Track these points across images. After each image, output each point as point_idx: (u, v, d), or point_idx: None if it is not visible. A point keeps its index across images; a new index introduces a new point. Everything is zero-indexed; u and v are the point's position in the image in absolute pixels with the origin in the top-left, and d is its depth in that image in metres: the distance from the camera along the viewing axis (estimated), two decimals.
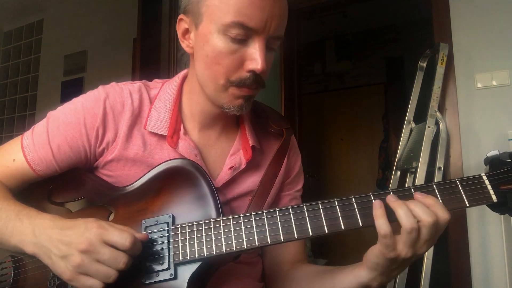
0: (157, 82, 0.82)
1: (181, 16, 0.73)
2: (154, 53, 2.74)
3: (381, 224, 0.56)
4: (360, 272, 0.64)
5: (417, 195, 0.58)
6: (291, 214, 0.60)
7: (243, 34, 0.64)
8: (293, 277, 0.80)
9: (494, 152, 0.61)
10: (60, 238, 0.59)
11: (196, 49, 0.71)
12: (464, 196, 0.58)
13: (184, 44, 0.74)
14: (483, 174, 0.60)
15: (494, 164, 0.60)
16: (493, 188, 0.58)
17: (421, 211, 0.56)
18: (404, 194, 0.59)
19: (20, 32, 3.66)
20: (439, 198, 0.59)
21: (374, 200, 0.59)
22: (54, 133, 0.72)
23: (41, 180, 0.75)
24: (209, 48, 0.67)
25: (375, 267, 0.61)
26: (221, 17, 0.64)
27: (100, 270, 0.56)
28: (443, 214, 0.56)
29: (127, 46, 2.96)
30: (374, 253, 0.59)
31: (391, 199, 0.58)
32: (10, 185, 0.74)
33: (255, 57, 0.65)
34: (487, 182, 0.59)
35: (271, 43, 0.68)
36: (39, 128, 0.74)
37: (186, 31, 0.73)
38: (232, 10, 0.63)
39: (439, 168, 1.84)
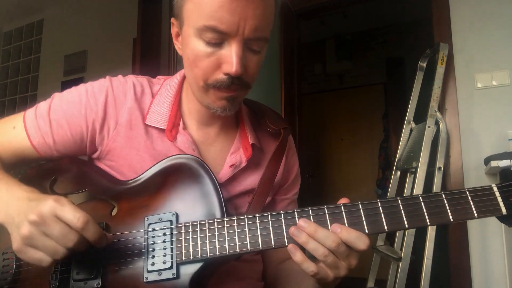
0: (159, 79, 0.84)
1: (172, 19, 0.75)
2: (154, 53, 2.74)
3: (307, 267, 0.58)
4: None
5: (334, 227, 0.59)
6: (296, 218, 0.60)
7: (217, 38, 0.64)
8: (287, 271, 0.80)
9: (506, 162, 0.60)
10: (23, 209, 0.57)
11: (182, 51, 0.73)
12: (473, 207, 0.57)
13: (176, 47, 0.76)
14: (493, 185, 0.58)
15: (506, 175, 0.59)
16: (503, 200, 0.57)
17: (323, 238, 0.57)
18: (412, 202, 0.59)
19: (20, 32, 3.66)
20: (447, 208, 0.58)
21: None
22: (55, 108, 0.75)
23: (44, 170, 0.76)
24: (189, 51, 0.69)
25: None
26: (195, 21, 0.65)
27: (47, 245, 0.55)
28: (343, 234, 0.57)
29: (127, 46, 2.96)
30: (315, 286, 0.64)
31: (295, 233, 0.58)
32: (6, 156, 0.75)
33: (229, 60, 0.65)
34: (497, 193, 0.57)
35: (252, 45, 0.67)
36: (43, 104, 0.77)
37: (177, 34, 0.75)
38: (203, 14, 0.63)
39: (439, 168, 1.84)
